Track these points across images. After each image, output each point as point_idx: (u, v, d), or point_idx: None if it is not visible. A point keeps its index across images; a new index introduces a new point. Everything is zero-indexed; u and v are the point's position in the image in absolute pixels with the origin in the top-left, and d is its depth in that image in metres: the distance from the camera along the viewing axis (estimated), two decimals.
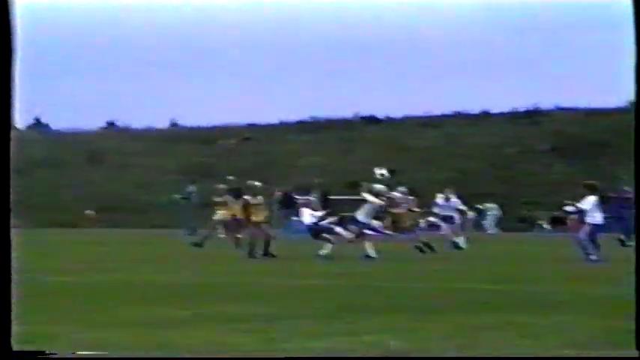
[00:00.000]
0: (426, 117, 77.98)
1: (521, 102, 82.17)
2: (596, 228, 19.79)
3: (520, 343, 6.75)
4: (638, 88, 4.18)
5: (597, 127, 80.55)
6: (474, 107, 79.73)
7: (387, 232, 23.09)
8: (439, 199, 26.76)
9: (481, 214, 58.04)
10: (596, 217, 19.79)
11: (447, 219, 26.14)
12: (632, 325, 7.95)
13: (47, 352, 5.06)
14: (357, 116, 78.08)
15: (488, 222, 56.85)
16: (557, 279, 14.67)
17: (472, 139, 75.43)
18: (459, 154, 69.43)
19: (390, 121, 79.07)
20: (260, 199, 22.39)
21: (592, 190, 20.05)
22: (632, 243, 27.12)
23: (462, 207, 28.16)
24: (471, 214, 56.83)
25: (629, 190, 28.16)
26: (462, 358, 5.04)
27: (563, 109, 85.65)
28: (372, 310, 9.17)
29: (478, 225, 55.54)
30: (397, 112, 79.29)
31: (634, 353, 4.33)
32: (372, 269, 17.46)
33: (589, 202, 19.81)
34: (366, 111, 78.68)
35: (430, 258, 21.01)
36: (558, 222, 64.11)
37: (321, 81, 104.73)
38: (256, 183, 22.91)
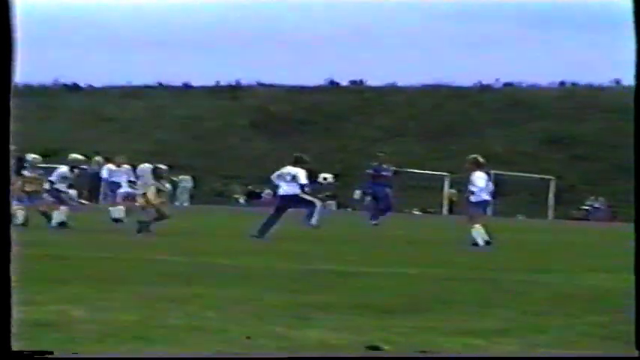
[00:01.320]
0: (128, 87, 77.08)
1: (222, 77, 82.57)
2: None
3: (203, 315, 6.72)
4: (638, 88, 4.19)
5: (298, 104, 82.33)
6: (176, 80, 79.32)
7: (82, 201, 22.69)
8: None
9: (175, 186, 58.02)
10: None
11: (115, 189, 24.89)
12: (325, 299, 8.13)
13: (47, 352, 4.67)
14: (57, 83, 76.19)
15: (180, 194, 56.94)
16: (246, 252, 14.82)
17: (173, 112, 75.13)
18: (160, 125, 68.97)
19: (91, 90, 77.64)
20: None
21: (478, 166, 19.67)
22: (376, 222, 27.59)
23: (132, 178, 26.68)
24: (168, 187, 56.83)
25: (386, 168, 28.56)
26: (461, 358, 4.96)
27: (264, 85, 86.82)
28: (57, 281, 8.89)
29: (172, 197, 55.54)
30: (99, 81, 77.87)
31: (634, 353, 4.35)
32: (60, 238, 17.13)
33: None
34: (67, 78, 76.85)
35: (119, 230, 20.85)
36: (254, 196, 65.19)
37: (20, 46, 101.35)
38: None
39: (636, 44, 3.90)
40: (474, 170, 19.50)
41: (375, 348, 5.32)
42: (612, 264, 14.77)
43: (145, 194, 20.58)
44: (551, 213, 63.06)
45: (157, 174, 21.01)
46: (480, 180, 19.38)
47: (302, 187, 19.88)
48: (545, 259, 15.81)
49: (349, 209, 63.84)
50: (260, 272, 10.94)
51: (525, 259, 15.40)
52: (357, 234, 19.52)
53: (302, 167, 20.23)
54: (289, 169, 20.23)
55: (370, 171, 27.76)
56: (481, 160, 19.99)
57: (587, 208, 64.60)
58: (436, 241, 19.60)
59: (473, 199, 19.34)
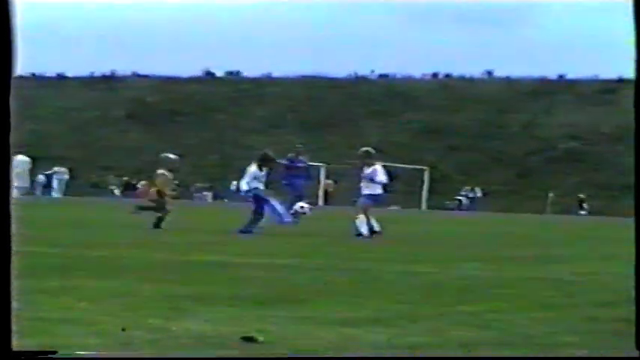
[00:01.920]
0: None
1: (97, 67, 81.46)
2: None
3: (77, 307, 6.66)
4: (637, 88, 4.19)
5: (174, 95, 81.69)
6: (49, 70, 77.91)
7: None
8: None
9: (50, 178, 57.15)
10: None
11: None
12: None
13: (47, 352, 4.55)
14: None
15: (56, 186, 56.08)
16: (122, 244, 14.70)
17: (48, 103, 73.87)
18: (34, 116, 67.70)
19: None
20: None
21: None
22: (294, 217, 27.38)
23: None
24: (41, 178, 55.93)
25: (302, 160, 28.43)
26: (461, 358, 4.91)
27: (139, 75, 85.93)
28: None
29: (47, 189, 54.80)
30: None
31: (634, 353, 4.35)
32: None
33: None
34: None
35: None
36: (129, 187, 64.51)
37: None
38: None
39: (636, 44, 4.00)
40: (369, 162, 19.74)
41: (250, 339, 5.36)
42: (484, 254, 15.10)
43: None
44: (424, 203, 63.89)
45: (167, 165, 20.58)
46: (382, 174, 19.68)
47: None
48: (418, 249, 16.05)
49: (225, 200, 63.72)
50: (136, 264, 10.87)
51: (399, 250, 15.60)
52: (235, 225, 19.49)
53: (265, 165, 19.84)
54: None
55: (285, 162, 27.76)
56: (372, 152, 20.28)
57: (460, 198, 65.64)
58: (312, 233, 19.70)
59: (368, 191, 19.56)
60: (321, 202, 62.34)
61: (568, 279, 10.55)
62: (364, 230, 18.84)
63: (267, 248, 14.88)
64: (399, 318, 6.58)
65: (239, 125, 77.53)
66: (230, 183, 67.69)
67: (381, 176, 19.71)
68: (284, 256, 13.06)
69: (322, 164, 63.93)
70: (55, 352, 4.54)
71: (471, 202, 65.64)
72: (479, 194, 66.10)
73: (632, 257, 14.84)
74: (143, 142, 75.27)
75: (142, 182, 66.80)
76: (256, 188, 19.63)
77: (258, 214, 19.51)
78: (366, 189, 19.59)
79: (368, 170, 19.62)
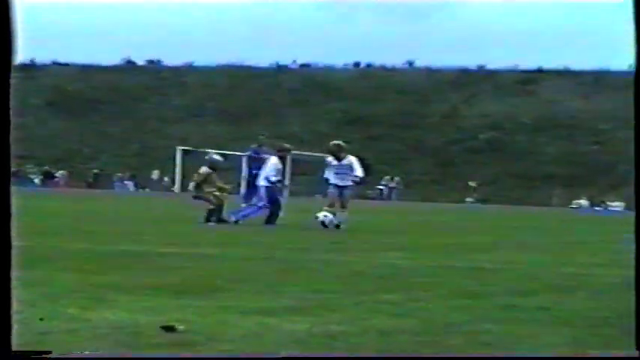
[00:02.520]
0: None
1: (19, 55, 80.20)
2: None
3: None
4: (637, 88, 4.14)
5: (94, 83, 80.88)
6: None
7: None
8: None
9: None
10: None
11: None
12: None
13: (47, 352, 4.47)
14: None
15: None
16: (42, 233, 14.52)
17: None
18: None
19: None
20: None
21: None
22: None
23: None
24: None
25: (266, 151, 28.14)
26: (462, 358, 4.84)
27: (59, 64, 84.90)
28: None
29: None
30: None
31: (634, 353, 4.32)
32: None
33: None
34: None
35: None
36: (49, 176, 63.81)
37: None
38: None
39: (636, 44, 4.01)
40: (343, 155, 20.18)
41: (170, 328, 5.33)
42: (405, 243, 15.20)
43: None
44: None
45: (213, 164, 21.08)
46: (359, 167, 20.13)
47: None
48: (339, 238, 16.09)
49: (147, 189, 63.33)
50: (56, 253, 10.74)
51: (321, 239, 15.63)
52: (157, 214, 19.40)
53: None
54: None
55: (250, 153, 27.48)
56: (344, 145, 20.90)
57: (381, 187, 65.96)
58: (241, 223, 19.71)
59: (342, 182, 19.87)
60: (243, 190, 62.16)
61: (487, 267, 10.66)
62: (330, 220, 19.08)
63: (190, 238, 14.82)
64: (319, 307, 6.59)
65: (160, 114, 77.04)
66: (151, 172, 67.35)
67: (359, 171, 20.06)
68: (207, 246, 13.02)
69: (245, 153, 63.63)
70: (49, 352, 4.50)
71: (390, 191, 66.02)
72: (394, 184, 66.32)
73: (550, 246, 15.07)
74: (63, 130, 74.44)
75: (61, 172, 66.12)
76: (280, 181, 21.61)
77: (274, 206, 20.59)
78: (341, 181, 19.97)
79: (344, 162, 20.30)
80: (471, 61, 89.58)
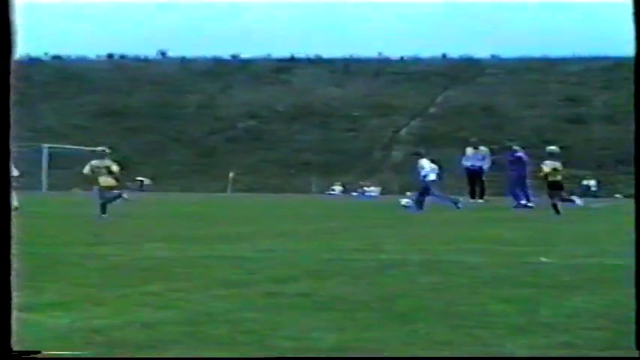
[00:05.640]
0: None
1: None
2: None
3: None
4: (637, 88, 3.99)
5: None
6: None
7: None
8: None
9: None
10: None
11: None
12: None
13: (33, 352, 4.41)
14: None
15: None
16: None
17: None
18: None
19: None
20: None
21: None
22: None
23: None
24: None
25: None
26: (462, 358, 4.53)
27: None
28: None
29: None
30: None
31: (634, 353, 4.16)
32: None
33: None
34: None
35: None
36: None
37: None
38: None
39: (636, 44, 4.03)
40: None
41: None
42: (167, 234, 15.18)
43: None
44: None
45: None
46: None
47: None
48: (100, 231, 15.89)
49: None
50: None
51: (80, 233, 15.40)
52: None
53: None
54: None
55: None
56: None
57: (141, 179, 65.43)
58: None
59: None
60: None
61: (248, 256, 10.78)
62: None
63: None
64: (81, 301, 6.52)
65: None
66: None
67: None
68: None
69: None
70: (38, 352, 4.27)
71: (153, 182, 65.56)
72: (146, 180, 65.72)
73: (310, 233, 15.39)
74: None
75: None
76: (434, 181, 26.35)
77: (422, 197, 26.10)
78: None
79: None
80: (224, 51, 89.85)
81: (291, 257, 10.64)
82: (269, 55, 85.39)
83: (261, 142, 73.79)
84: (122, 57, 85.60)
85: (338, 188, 63.95)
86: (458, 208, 26.24)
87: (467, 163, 32.65)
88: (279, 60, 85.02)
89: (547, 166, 24.30)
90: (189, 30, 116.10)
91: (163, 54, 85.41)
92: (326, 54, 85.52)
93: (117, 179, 21.77)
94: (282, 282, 7.96)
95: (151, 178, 65.67)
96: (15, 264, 9.67)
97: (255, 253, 11.22)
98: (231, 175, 66.77)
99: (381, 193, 57.70)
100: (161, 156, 70.74)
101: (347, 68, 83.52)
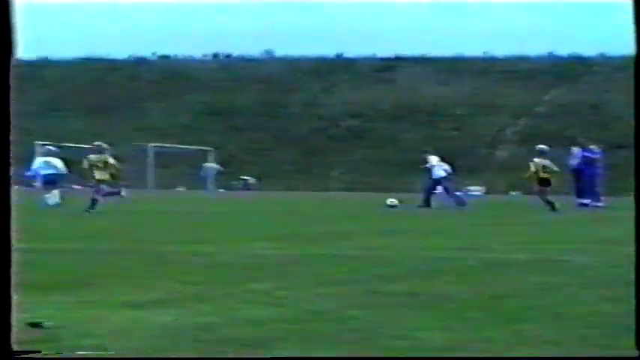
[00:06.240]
0: None
1: None
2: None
3: None
4: (637, 89, 4.06)
5: None
6: None
7: None
8: None
9: None
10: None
11: None
12: None
13: (34, 351, 4.35)
14: None
15: None
16: None
17: None
18: None
19: None
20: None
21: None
22: None
23: None
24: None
25: None
26: (462, 358, 4.68)
27: None
28: None
29: None
30: None
31: (634, 353, 4.23)
32: None
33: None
34: None
35: None
36: None
37: None
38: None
39: (636, 45, 4.02)
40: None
41: (37, 325, 5.24)
42: (271, 232, 15.23)
43: None
44: (210, 184, 63.85)
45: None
46: None
47: None
48: (205, 229, 16.04)
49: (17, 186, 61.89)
50: None
51: (185, 231, 15.55)
52: (18, 208, 18.93)
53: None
54: None
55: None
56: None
57: (246, 178, 65.90)
58: (101, 216, 19.44)
59: None
60: None
61: (353, 254, 10.76)
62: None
63: (54, 233, 14.56)
64: (186, 299, 6.56)
65: (18, 110, 75.40)
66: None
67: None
68: (71, 240, 12.81)
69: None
70: (38, 352, 4.35)
71: (258, 181, 65.95)
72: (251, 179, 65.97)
73: (414, 231, 15.30)
74: None
75: None
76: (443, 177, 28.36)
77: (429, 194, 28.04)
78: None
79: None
80: (329, 50, 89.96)
81: (396, 256, 10.59)
82: (374, 54, 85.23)
83: (364, 140, 73.70)
84: (227, 56, 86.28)
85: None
86: (463, 206, 27.26)
87: (573, 163, 32.20)
88: (383, 59, 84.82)
89: (535, 164, 24.95)
90: (295, 29, 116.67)
91: (269, 53, 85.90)
92: (431, 53, 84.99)
93: (113, 175, 22.07)
94: (388, 280, 7.92)
95: (256, 177, 66.09)
96: (124, 261, 9.80)
97: (361, 251, 11.20)
98: (334, 173, 66.80)
99: (486, 193, 57.18)
100: (266, 155, 71.19)
101: (453, 67, 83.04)
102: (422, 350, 4.78)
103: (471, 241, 13.04)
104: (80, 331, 5.16)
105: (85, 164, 21.97)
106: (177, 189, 58.02)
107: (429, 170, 27.91)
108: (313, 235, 14.76)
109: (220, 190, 58.58)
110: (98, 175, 21.58)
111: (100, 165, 21.64)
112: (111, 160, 21.93)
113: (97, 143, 23.13)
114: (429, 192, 27.66)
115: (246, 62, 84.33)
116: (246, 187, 63.68)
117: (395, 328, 5.39)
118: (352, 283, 7.71)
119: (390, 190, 59.92)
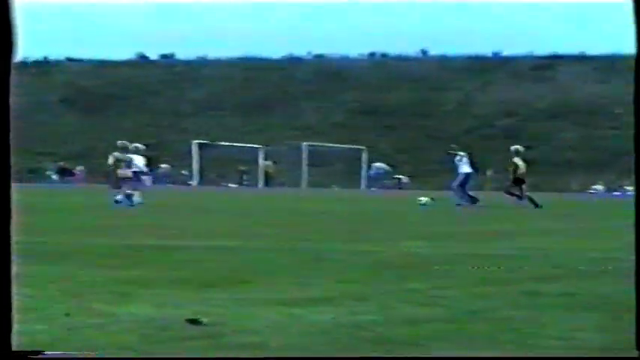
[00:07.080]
0: None
1: (30, 52, 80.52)
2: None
3: (20, 293, 6.56)
4: (637, 88, 4.16)
5: (108, 78, 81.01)
6: None
7: None
8: None
9: None
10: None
11: None
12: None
13: (47, 352, 4.44)
14: None
15: None
16: (64, 229, 14.57)
17: None
18: None
19: None
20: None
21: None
22: None
23: None
24: None
25: None
26: (462, 358, 4.89)
27: (73, 60, 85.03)
28: None
29: None
30: None
31: (634, 353, 4.35)
32: None
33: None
34: None
35: None
36: (66, 173, 63.95)
37: None
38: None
39: (637, 45, 4.00)
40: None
41: (195, 321, 5.35)
42: (426, 231, 15.19)
43: None
44: (364, 183, 64.09)
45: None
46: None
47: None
48: (360, 228, 16.09)
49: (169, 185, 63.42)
50: (77, 249, 10.76)
51: (341, 229, 15.63)
52: (174, 207, 19.43)
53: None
54: None
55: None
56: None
57: (399, 177, 65.88)
58: (252, 213, 19.70)
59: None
60: (261, 183, 62.27)
61: (508, 254, 10.65)
62: None
63: (206, 230, 14.83)
64: (344, 297, 6.59)
65: (175, 109, 77.08)
66: (164, 167, 67.37)
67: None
68: (224, 237, 13.02)
69: (260, 146, 63.79)
70: (39, 352, 4.49)
71: (411, 180, 65.84)
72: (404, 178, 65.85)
73: (572, 231, 15.01)
74: (78, 126, 74.58)
75: (80, 167, 66.30)
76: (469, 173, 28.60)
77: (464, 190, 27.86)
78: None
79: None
80: (485, 48, 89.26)
81: (552, 256, 10.43)
82: (531, 52, 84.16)
83: (519, 140, 72.82)
84: (383, 55, 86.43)
85: (599, 187, 62.42)
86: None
87: None
88: (540, 57, 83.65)
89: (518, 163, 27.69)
90: (450, 28, 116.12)
91: (424, 52, 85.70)
92: (590, 51, 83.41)
93: (136, 172, 22.60)
94: (544, 281, 7.81)
95: (409, 176, 66.01)
96: (280, 259, 9.90)
97: (515, 251, 11.08)
98: (488, 173, 66.10)
99: None
100: (419, 154, 71.04)
101: (612, 65, 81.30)
102: (581, 350, 4.70)
103: (629, 242, 12.74)
104: (239, 328, 5.24)
105: (111, 160, 22.80)
106: (333, 188, 58.32)
107: (457, 167, 28.52)
108: (466, 234, 14.66)
109: (372, 189, 58.71)
110: (121, 172, 22.32)
111: (123, 164, 22.40)
112: (136, 161, 22.70)
113: (120, 142, 23.85)
114: (464, 190, 28.05)
115: (401, 61, 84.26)
116: (400, 185, 63.66)
117: (552, 329, 5.31)
118: (508, 283, 7.63)
119: (542, 190, 59.10)
